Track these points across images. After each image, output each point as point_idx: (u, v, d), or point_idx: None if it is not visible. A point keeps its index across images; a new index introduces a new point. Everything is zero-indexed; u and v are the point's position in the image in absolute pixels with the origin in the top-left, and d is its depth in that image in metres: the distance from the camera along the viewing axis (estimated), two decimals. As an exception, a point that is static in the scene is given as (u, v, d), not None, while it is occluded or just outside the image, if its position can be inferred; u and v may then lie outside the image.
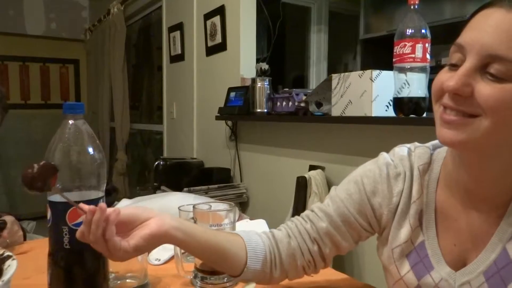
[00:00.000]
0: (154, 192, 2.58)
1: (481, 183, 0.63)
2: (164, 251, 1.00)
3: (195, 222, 0.81)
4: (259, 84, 2.18)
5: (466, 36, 0.57)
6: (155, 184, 2.62)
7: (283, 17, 2.89)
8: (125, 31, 4.15)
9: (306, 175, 1.76)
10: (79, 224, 0.64)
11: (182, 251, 0.80)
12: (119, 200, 1.66)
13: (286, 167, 2.15)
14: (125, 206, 0.83)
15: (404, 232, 0.71)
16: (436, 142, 0.73)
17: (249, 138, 2.46)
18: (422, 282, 0.69)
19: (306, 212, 0.80)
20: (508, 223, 0.63)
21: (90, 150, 0.69)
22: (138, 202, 1.76)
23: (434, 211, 0.69)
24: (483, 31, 0.55)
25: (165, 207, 1.56)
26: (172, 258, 0.99)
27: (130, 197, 1.76)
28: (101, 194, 0.71)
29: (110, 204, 0.78)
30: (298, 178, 1.76)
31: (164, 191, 2.49)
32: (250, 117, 2.23)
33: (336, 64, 4.17)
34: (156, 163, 2.71)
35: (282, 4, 3.42)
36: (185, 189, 2.22)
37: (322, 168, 1.80)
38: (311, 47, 3.93)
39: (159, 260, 0.99)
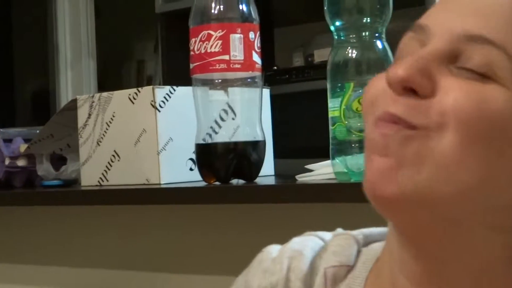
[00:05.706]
0: None
1: None
2: None
3: None
4: None
5: (433, 16, 0.45)
6: None
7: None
8: None
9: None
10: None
11: None
12: None
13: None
14: None
15: None
16: (373, 230, 0.49)
17: None
18: None
19: None
20: None
21: None
22: None
23: None
24: (461, 8, 0.43)
25: None
26: None
27: None
28: None
29: None
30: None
31: None
32: None
33: (124, 62, 2.79)
34: None
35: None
36: None
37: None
38: (59, 31, 2.69)
39: None
